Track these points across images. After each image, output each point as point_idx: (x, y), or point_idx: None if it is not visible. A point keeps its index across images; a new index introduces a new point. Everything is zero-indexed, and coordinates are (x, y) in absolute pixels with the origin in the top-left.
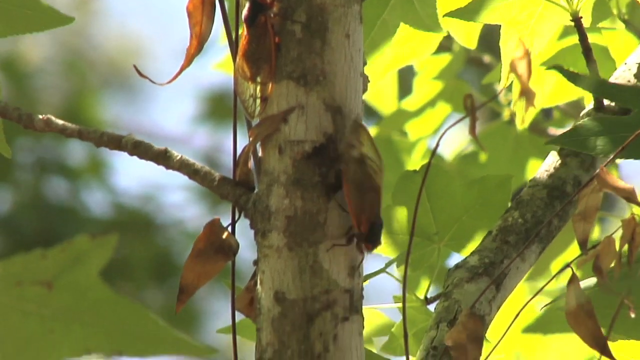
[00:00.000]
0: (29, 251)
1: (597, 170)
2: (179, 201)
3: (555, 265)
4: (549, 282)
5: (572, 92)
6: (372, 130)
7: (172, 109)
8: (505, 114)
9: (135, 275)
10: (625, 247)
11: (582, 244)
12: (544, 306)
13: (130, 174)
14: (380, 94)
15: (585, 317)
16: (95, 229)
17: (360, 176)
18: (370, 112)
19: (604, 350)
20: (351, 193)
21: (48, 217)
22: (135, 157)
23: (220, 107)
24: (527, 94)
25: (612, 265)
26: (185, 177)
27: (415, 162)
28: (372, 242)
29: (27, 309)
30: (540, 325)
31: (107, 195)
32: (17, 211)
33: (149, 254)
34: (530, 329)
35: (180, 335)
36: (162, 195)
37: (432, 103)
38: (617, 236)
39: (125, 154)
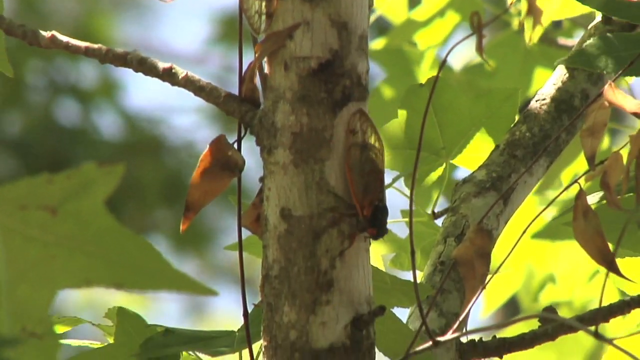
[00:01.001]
0: (38, 174)
1: (605, 86)
2: (190, 123)
3: (564, 175)
4: (558, 195)
5: (582, 7)
6: (382, 42)
7: (186, 31)
8: (515, 24)
9: (145, 196)
10: (633, 162)
11: (590, 160)
12: (553, 218)
13: (142, 97)
14: (391, 4)
15: (593, 233)
16: (105, 151)
17: (363, 161)
18: (381, 27)
19: (612, 266)
20: (354, 177)
21: (59, 139)
22: (142, 76)
23: (234, 30)
24: (534, 12)
25: (620, 180)
26: (196, 100)
27: (424, 72)
28: (375, 226)
29: (30, 233)
30: (549, 233)
31: (118, 118)
32: (28, 133)
33: (159, 175)
34: (539, 235)
35: (182, 272)
36: (173, 117)
37: (441, 13)
38: (625, 151)
39: (136, 75)
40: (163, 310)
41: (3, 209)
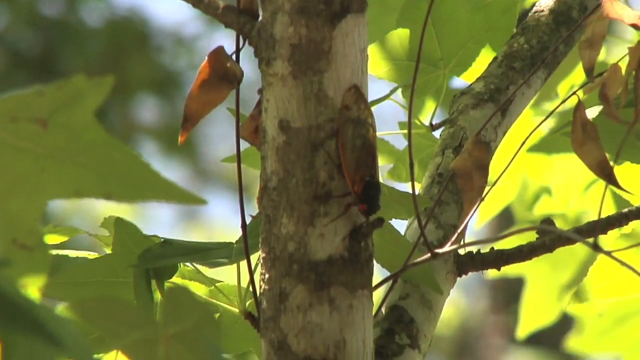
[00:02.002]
0: (27, 71)
1: None
2: (177, 15)
3: (562, 87)
4: (557, 107)
5: None
6: None
7: None
8: None
9: (133, 93)
10: (632, 74)
11: (589, 72)
12: (551, 130)
13: None
14: None
15: (591, 145)
16: (92, 44)
17: (355, 136)
18: None
19: (610, 178)
20: (346, 153)
21: (45, 32)
22: None
23: None
24: None
25: (618, 92)
26: None
27: None
28: (366, 202)
29: (21, 146)
30: (546, 146)
31: (105, 9)
32: (14, 28)
33: (145, 68)
34: (536, 148)
35: (171, 182)
36: (160, 8)
37: None
38: (624, 63)
39: None
40: (155, 216)
41: None
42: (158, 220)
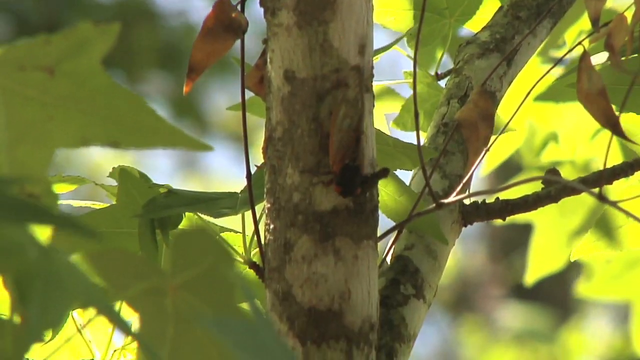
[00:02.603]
0: (33, 37)
1: None
2: None
3: (568, 35)
4: (563, 56)
5: None
6: None
7: None
8: None
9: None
10: (638, 24)
11: (594, 22)
12: (557, 79)
13: None
14: None
15: (597, 96)
16: (99, 15)
17: (345, 117)
18: None
19: (615, 128)
20: (333, 131)
21: (52, 4)
22: None
23: None
24: None
25: (624, 42)
26: None
27: None
28: (341, 185)
29: (29, 94)
30: (553, 94)
31: None
32: None
33: (152, 41)
34: (543, 97)
35: (178, 128)
36: None
37: None
38: (629, 13)
39: None
40: (153, 165)
41: (2, 70)
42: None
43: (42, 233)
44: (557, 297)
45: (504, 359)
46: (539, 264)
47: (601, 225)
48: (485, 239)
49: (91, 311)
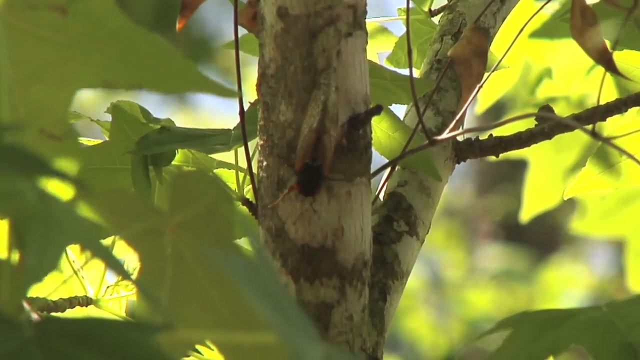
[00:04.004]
0: None
1: None
2: None
3: None
4: None
5: None
6: None
7: None
8: None
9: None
10: None
11: None
12: (553, 14)
13: None
14: None
15: (590, 31)
16: None
17: (312, 116)
18: None
19: (609, 64)
20: (304, 129)
21: None
22: None
23: None
24: None
25: None
26: None
27: None
28: (300, 184)
29: (41, 34)
30: (547, 31)
31: None
32: None
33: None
34: (537, 34)
35: (204, 74)
36: None
37: None
38: None
39: None
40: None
41: (13, 10)
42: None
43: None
44: (542, 233)
45: (481, 299)
46: (535, 200)
47: (595, 162)
48: (473, 173)
49: (87, 253)
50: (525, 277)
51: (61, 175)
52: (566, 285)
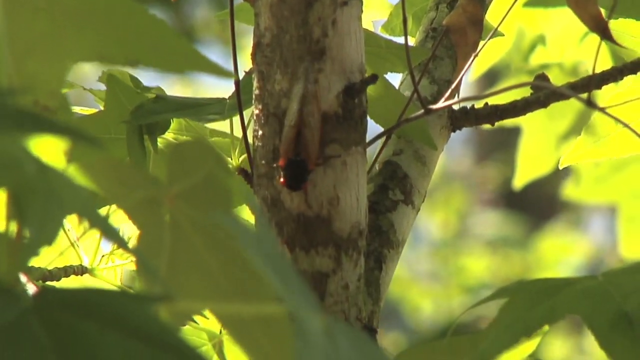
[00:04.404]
0: None
1: None
2: None
3: None
4: None
5: None
6: None
7: None
8: None
9: None
10: None
11: None
12: None
13: None
14: None
15: (586, 0)
16: None
17: (294, 111)
18: None
19: (604, 32)
20: (285, 125)
21: None
22: None
23: None
24: None
25: None
26: None
27: None
28: (284, 178)
29: (38, 4)
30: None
31: None
32: None
33: None
34: (532, 2)
35: (201, 53)
36: None
37: None
38: None
39: None
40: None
41: None
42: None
43: (59, 147)
44: (540, 200)
45: (476, 265)
46: (528, 167)
47: (590, 132)
48: (472, 143)
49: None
50: (522, 244)
51: (62, 129)
52: (563, 253)
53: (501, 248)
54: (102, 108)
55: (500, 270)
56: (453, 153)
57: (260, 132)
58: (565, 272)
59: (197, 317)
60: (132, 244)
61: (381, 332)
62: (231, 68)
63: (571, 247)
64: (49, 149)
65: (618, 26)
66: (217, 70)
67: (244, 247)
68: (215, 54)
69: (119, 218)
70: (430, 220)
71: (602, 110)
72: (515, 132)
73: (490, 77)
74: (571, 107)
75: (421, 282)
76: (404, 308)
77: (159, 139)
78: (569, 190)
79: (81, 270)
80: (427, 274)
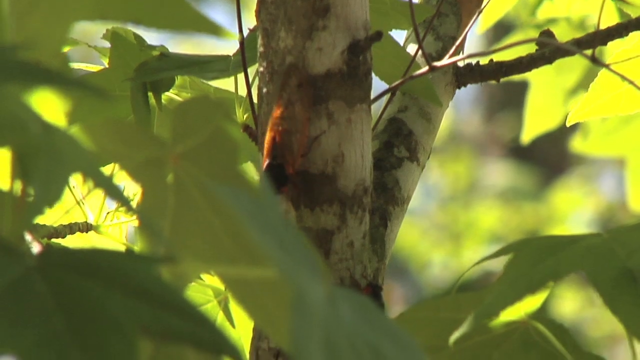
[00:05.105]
0: None
1: None
2: None
3: None
4: None
5: None
6: None
7: None
8: None
9: None
10: None
11: None
12: None
13: None
14: None
15: None
16: None
17: (278, 118)
18: None
19: None
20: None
21: None
22: None
23: None
24: None
25: None
26: None
27: None
28: (270, 179)
29: None
30: None
31: None
32: None
33: None
34: None
35: (203, 14)
36: None
37: None
38: None
39: None
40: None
41: None
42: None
43: (61, 108)
44: (552, 155)
45: (488, 216)
46: (535, 123)
47: (597, 88)
48: (478, 100)
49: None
50: (534, 195)
51: (67, 82)
52: (575, 206)
53: (512, 199)
54: (106, 65)
55: (511, 222)
56: (461, 112)
57: (264, 90)
58: (577, 226)
59: (202, 275)
60: (136, 203)
61: (391, 289)
62: (236, 26)
63: (583, 201)
64: (50, 110)
65: None
66: (217, 31)
67: (240, 219)
68: (220, 12)
69: (123, 177)
70: (440, 176)
71: (607, 67)
72: (524, 89)
73: (497, 32)
74: (579, 61)
75: (431, 238)
76: (414, 266)
77: (163, 97)
78: (577, 144)
79: (86, 228)
80: (437, 228)
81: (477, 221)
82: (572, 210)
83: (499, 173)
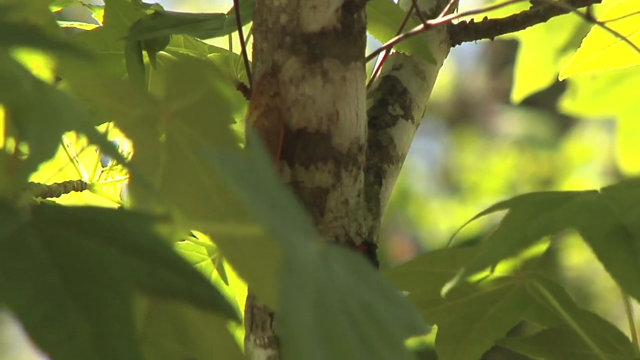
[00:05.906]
0: None
1: None
2: None
3: None
4: None
5: None
6: None
7: None
8: None
9: None
10: None
11: None
12: None
13: None
14: None
15: None
16: None
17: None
18: None
19: None
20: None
21: None
22: None
23: None
24: None
25: None
26: None
27: None
28: None
29: None
30: None
31: None
32: None
33: None
34: None
35: None
36: None
37: None
38: None
39: None
40: None
41: None
42: None
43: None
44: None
45: (503, 165)
46: (526, 81)
47: (589, 44)
48: (481, 55)
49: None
50: (549, 143)
51: (53, 44)
52: (589, 156)
53: (528, 147)
54: (101, 24)
55: (526, 170)
56: (467, 68)
57: (259, 48)
58: (588, 176)
59: (196, 232)
60: (128, 158)
61: (403, 241)
62: None
63: (598, 151)
64: (37, 67)
65: None
66: None
67: (228, 182)
68: None
69: (116, 134)
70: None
71: (601, 24)
72: None
73: None
74: (570, 20)
75: (439, 198)
76: (422, 228)
77: (158, 55)
78: (567, 103)
79: (80, 186)
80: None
81: (493, 169)
82: (587, 160)
83: (513, 121)
